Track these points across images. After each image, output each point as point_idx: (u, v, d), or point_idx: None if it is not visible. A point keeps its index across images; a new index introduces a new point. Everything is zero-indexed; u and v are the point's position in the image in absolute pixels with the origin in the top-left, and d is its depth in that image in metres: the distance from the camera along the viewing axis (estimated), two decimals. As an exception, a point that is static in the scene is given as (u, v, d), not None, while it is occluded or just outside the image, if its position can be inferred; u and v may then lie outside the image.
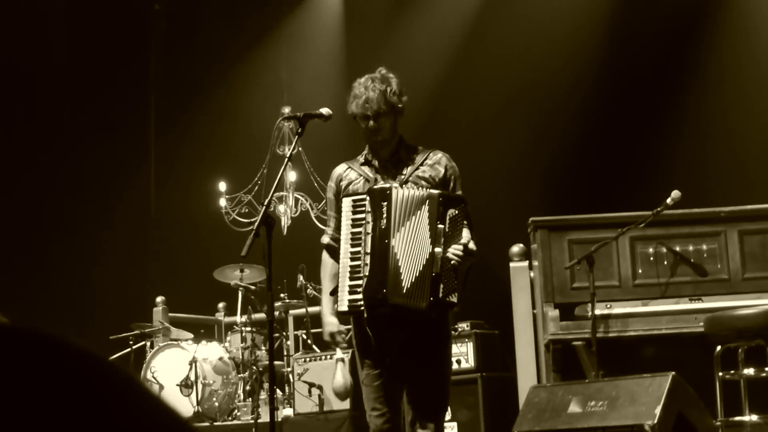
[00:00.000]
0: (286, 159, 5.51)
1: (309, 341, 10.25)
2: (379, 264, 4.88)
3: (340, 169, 5.31)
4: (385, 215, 4.91)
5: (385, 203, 4.92)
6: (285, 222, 11.98)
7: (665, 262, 7.29)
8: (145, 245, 13.46)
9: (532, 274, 7.94)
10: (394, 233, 4.90)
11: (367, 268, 4.89)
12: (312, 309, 9.98)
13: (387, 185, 5.00)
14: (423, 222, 4.90)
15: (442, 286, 4.84)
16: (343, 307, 4.95)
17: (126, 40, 13.52)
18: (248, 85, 13.50)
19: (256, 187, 11.83)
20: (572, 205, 8.82)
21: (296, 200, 12.23)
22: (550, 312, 7.25)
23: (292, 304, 10.22)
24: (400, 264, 4.88)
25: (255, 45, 13.63)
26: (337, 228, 5.14)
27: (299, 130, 5.19)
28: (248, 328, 9.91)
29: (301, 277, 9.88)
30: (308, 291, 9.94)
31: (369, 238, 4.93)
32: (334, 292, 5.03)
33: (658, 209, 6.94)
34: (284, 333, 10.48)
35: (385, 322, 4.94)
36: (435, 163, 5.16)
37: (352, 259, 4.95)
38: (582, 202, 9.18)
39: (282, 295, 10.09)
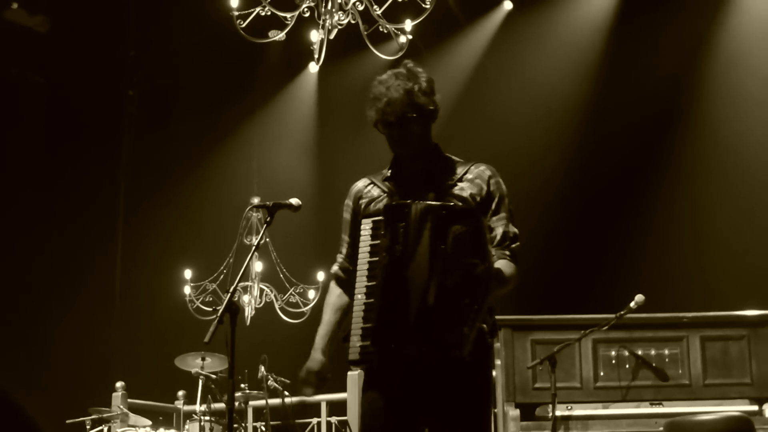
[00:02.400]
0: (253, 248, 5.50)
1: (268, 434, 10.16)
2: (390, 301, 3.95)
3: (360, 184, 4.41)
4: (401, 239, 3.95)
5: (402, 224, 3.97)
6: (249, 312, 11.95)
7: (627, 366, 7.29)
8: (107, 328, 13.36)
9: (494, 373, 7.92)
10: (409, 261, 3.92)
11: (377, 308, 3.97)
12: (272, 401, 9.90)
13: (406, 201, 4.01)
14: (424, 243, 3.92)
15: (434, 322, 3.84)
16: (354, 355, 4.04)
17: (99, 123, 13.58)
18: (219, 174, 13.56)
19: (222, 276, 11.82)
20: (536, 305, 8.84)
21: (261, 291, 12.21)
22: (511, 411, 7.21)
23: (252, 395, 10.13)
24: (412, 299, 3.88)
25: (227, 135, 13.73)
26: (350, 255, 4.35)
27: (268, 219, 5.13)
28: (207, 417, 9.81)
29: (262, 368, 9.81)
30: (269, 382, 9.86)
31: (381, 269, 3.99)
32: (347, 339, 4.11)
33: (622, 312, 6.96)
34: (243, 424, 10.38)
35: (401, 377, 4.04)
36: (476, 177, 4.22)
37: (367, 295, 4.02)
38: (546, 302, 9.21)
39: (242, 385, 10.01)
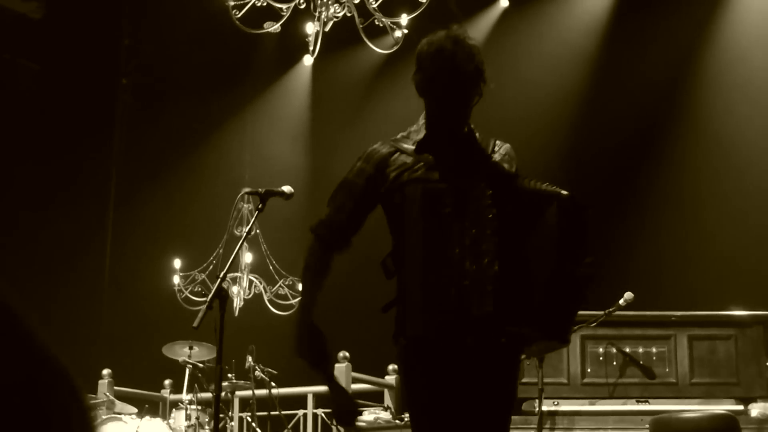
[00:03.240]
0: (243, 236, 5.52)
1: (254, 424, 10.14)
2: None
3: (383, 150, 3.87)
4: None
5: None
6: (237, 303, 11.94)
7: (614, 363, 7.32)
8: (95, 316, 13.34)
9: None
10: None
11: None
12: (259, 392, 9.90)
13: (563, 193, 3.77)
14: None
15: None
16: (417, 330, 3.68)
17: (92, 111, 13.56)
18: (211, 164, 13.55)
19: (211, 267, 11.81)
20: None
21: (250, 282, 12.20)
22: (497, 406, 7.23)
23: (239, 385, 10.11)
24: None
25: (220, 125, 13.72)
26: (346, 227, 3.95)
27: (260, 206, 5.13)
28: (193, 406, 9.79)
29: (249, 359, 9.80)
30: (256, 373, 9.86)
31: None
32: (389, 307, 3.80)
33: (610, 309, 6.97)
34: (229, 414, 10.37)
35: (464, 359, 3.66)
36: (506, 153, 3.90)
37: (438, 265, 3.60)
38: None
39: (229, 375, 9.99)
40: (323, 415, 10.58)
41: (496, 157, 3.83)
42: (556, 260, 3.68)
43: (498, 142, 3.92)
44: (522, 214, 3.69)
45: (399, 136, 3.92)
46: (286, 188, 5.23)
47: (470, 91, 3.75)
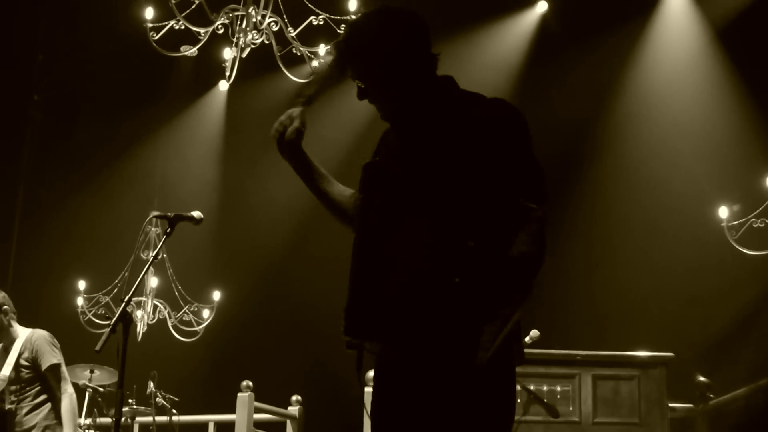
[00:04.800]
0: (149, 261, 5.44)
1: (154, 451, 10.00)
2: None
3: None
4: None
5: None
6: (141, 328, 11.78)
7: (519, 401, 7.32)
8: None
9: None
10: None
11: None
12: (160, 418, 9.76)
13: None
14: None
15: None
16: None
17: (1, 126, 13.32)
18: (120, 185, 13.38)
19: (116, 290, 11.65)
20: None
21: (155, 307, 12.05)
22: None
23: (139, 411, 9.97)
24: None
25: (132, 146, 13.57)
26: None
27: (168, 230, 5.07)
28: (91, 431, 9.63)
29: (151, 384, 9.68)
30: (157, 399, 9.73)
31: None
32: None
33: (516, 347, 6.99)
34: (127, 439, 10.22)
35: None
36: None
37: None
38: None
39: (130, 400, 9.85)
40: (224, 444, 10.45)
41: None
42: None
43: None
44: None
45: None
46: (196, 213, 5.17)
47: (366, 71, 3.42)
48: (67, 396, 7.22)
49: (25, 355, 7.20)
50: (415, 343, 3.22)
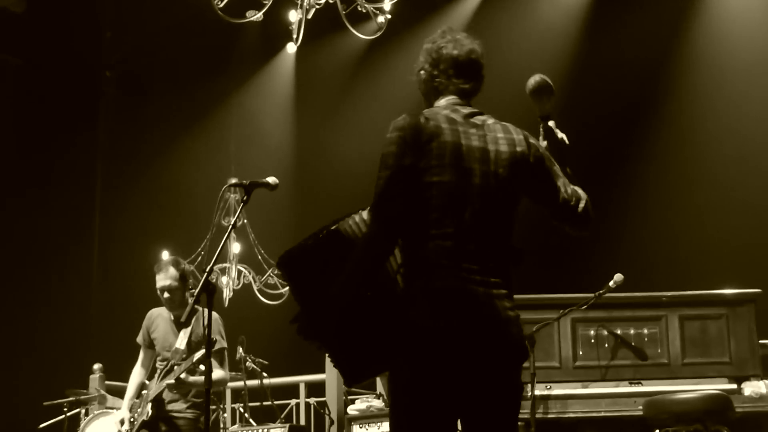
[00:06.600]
0: (230, 228, 5.46)
1: (246, 415, 10.11)
2: None
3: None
4: None
5: None
6: (227, 294, 11.90)
7: (606, 345, 7.29)
8: (85, 310, 13.28)
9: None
10: None
11: None
12: (250, 382, 9.87)
13: None
14: None
15: None
16: None
17: (76, 103, 13.49)
18: (196, 155, 13.49)
19: (199, 258, 11.75)
20: (515, 284, 8.83)
21: (239, 272, 12.15)
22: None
23: (230, 377, 10.09)
24: None
25: (205, 116, 13.66)
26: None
27: (245, 198, 5.06)
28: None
29: (240, 350, 9.77)
30: (247, 364, 9.83)
31: None
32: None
33: (601, 292, 6.95)
34: (221, 405, 10.34)
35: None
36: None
37: None
38: (525, 282, 9.20)
39: (221, 367, 9.96)
40: (315, 404, 10.55)
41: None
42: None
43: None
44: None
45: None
46: (271, 179, 5.17)
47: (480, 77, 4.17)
48: None
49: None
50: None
